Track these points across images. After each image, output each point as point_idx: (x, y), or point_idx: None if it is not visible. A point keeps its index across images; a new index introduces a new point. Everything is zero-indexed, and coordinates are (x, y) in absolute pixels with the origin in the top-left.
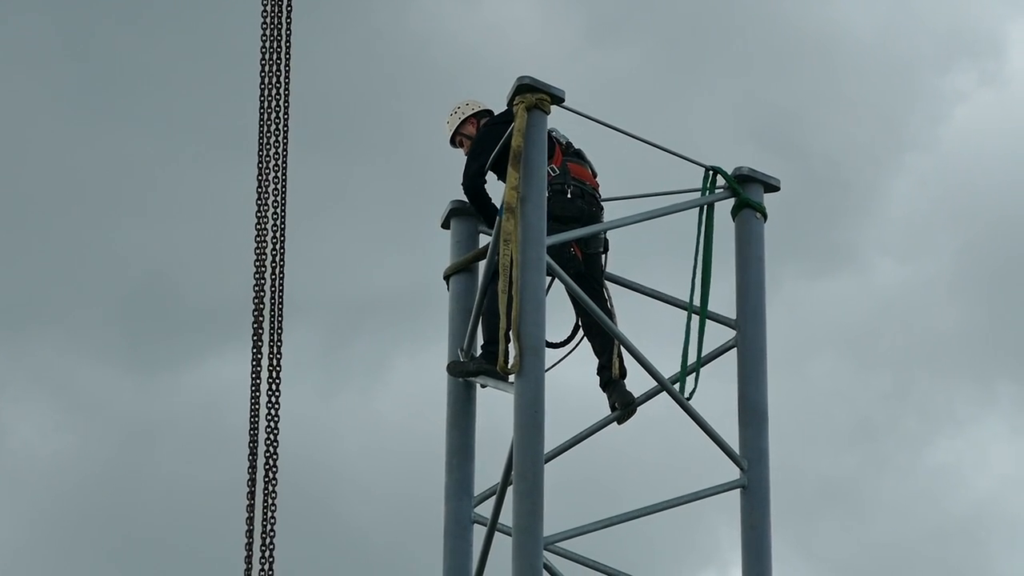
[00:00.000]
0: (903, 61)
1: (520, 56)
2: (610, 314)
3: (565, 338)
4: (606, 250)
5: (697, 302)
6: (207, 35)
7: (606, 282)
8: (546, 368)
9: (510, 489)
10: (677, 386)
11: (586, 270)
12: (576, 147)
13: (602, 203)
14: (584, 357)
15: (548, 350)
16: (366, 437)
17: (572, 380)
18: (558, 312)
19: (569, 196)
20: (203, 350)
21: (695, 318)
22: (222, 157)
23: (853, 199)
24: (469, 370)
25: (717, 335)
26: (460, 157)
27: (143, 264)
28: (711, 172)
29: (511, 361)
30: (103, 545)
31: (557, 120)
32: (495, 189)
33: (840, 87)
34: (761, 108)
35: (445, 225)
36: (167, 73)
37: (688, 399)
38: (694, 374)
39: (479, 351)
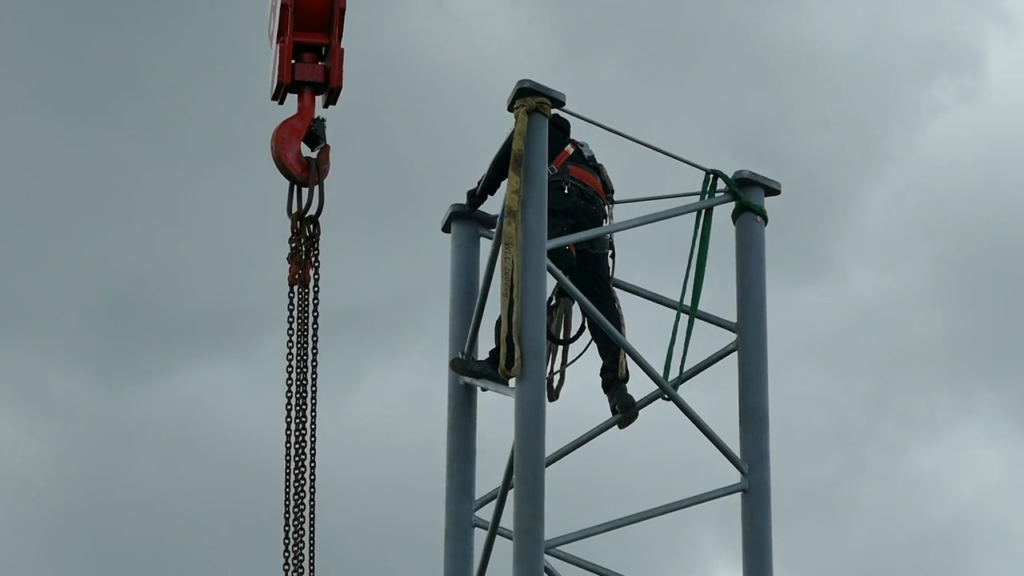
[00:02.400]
0: (881, 73)
1: (498, 69)
2: (617, 316)
3: (572, 335)
4: (613, 252)
5: (688, 302)
6: (190, 39)
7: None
8: (556, 370)
9: (511, 493)
10: (680, 388)
11: (591, 271)
12: (597, 163)
13: (607, 208)
14: (584, 360)
15: (555, 347)
16: (342, 444)
17: (573, 383)
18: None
19: (566, 192)
20: (178, 359)
21: (685, 317)
22: (204, 164)
23: (830, 209)
24: (472, 370)
25: (718, 338)
26: (432, 167)
27: (120, 271)
28: (711, 176)
29: (513, 364)
30: (76, 550)
31: None
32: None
33: (818, 98)
34: (739, 119)
35: (446, 229)
36: (150, 76)
37: (675, 389)
38: (680, 368)
39: (478, 353)
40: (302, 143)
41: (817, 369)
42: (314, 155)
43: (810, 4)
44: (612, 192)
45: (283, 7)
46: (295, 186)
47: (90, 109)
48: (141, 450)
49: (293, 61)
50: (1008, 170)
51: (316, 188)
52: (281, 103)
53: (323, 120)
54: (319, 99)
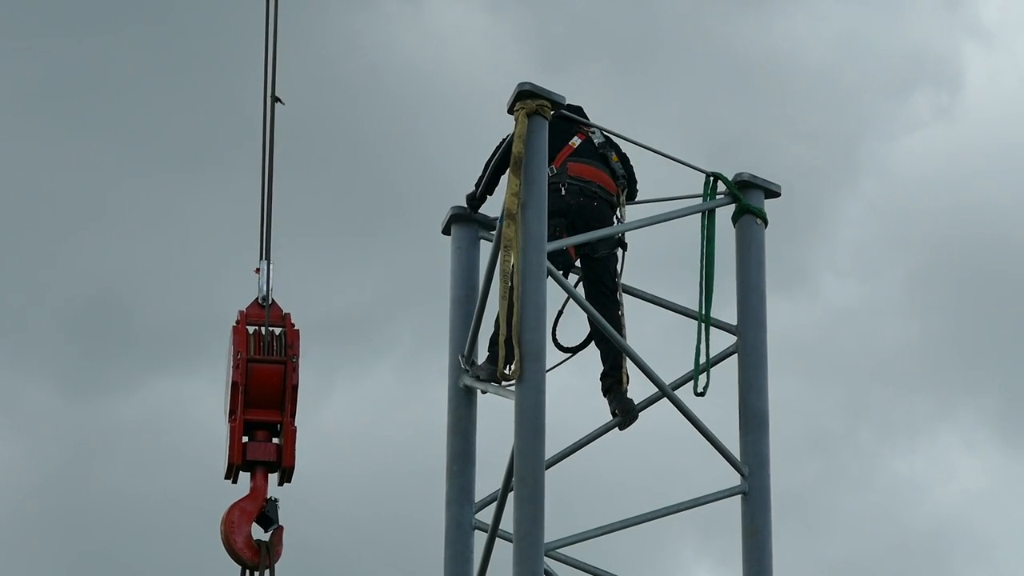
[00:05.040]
0: (857, 86)
1: (476, 81)
2: (618, 320)
3: (580, 343)
4: (624, 249)
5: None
6: (167, 46)
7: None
8: (549, 368)
9: (511, 495)
10: (679, 391)
11: (593, 275)
12: (608, 150)
13: (615, 202)
14: (583, 363)
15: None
16: (314, 455)
17: (573, 386)
18: (577, 316)
19: (563, 193)
20: (149, 370)
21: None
22: (181, 170)
23: (806, 221)
24: (479, 375)
25: (718, 340)
26: (410, 180)
27: (93, 279)
28: (712, 178)
29: (511, 367)
30: (44, 560)
31: None
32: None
33: (793, 110)
34: (715, 131)
35: (446, 231)
36: (126, 79)
37: (701, 394)
38: (705, 373)
39: (478, 356)
40: (254, 524)
41: (794, 376)
42: (266, 537)
43: (786, 17)
44: (623, 178)
45: (234, 385)
46: (246, 570)
47: (65, 112)
48: (110, 461)
49: (246, 439)
50: (983, 182)
51: (268, 572)
52: (234, 483)
53: (276, 501)
54: (272, 477)
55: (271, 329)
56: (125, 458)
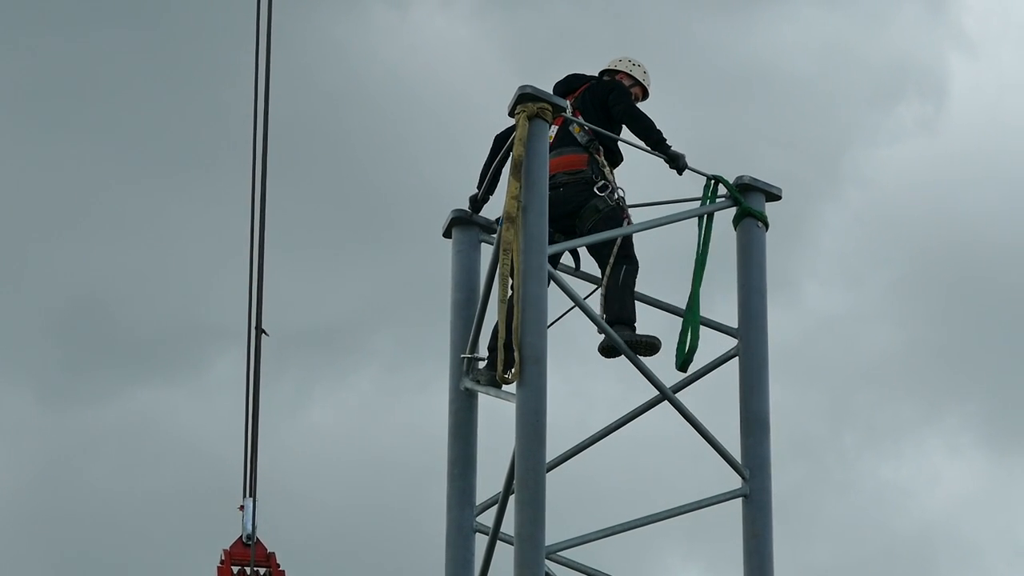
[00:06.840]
0: (842, 95)
1: (458, 92)
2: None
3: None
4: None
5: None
6: (157, 50)
7: None
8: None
9: (512, 498)
10: (680, 394)
11: (592, 252)
12: (571, 128)
13: (586, 174)
14: (584, 366)
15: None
16: (296, 460)
17: (573, 389)
18: None
19: None
20: (131, 379)
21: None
22: (167, 176)
23: (789, 230)
24: (480, 379)
25: (719, 343)
26: (394, 188)
27: (75, 286)
28: (712, 181)
29: (510, 369)
30: (26, 563)
31: None
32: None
33: (777, 120)
34: (699, 139)
35: (447, 234)
36: (112, 81)
37: (682, 369)
38: (686, 373)
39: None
40: None
41: (779, 383)
42: None
43: (771, 26)
44: (592, 142)
45: None
46: None
47: (49, 114)
48: (89, 468)
49: None
50: (966, 191)
51: None
52: None
53: None
54: None
55: (256, 569)
56: (104, 466)
